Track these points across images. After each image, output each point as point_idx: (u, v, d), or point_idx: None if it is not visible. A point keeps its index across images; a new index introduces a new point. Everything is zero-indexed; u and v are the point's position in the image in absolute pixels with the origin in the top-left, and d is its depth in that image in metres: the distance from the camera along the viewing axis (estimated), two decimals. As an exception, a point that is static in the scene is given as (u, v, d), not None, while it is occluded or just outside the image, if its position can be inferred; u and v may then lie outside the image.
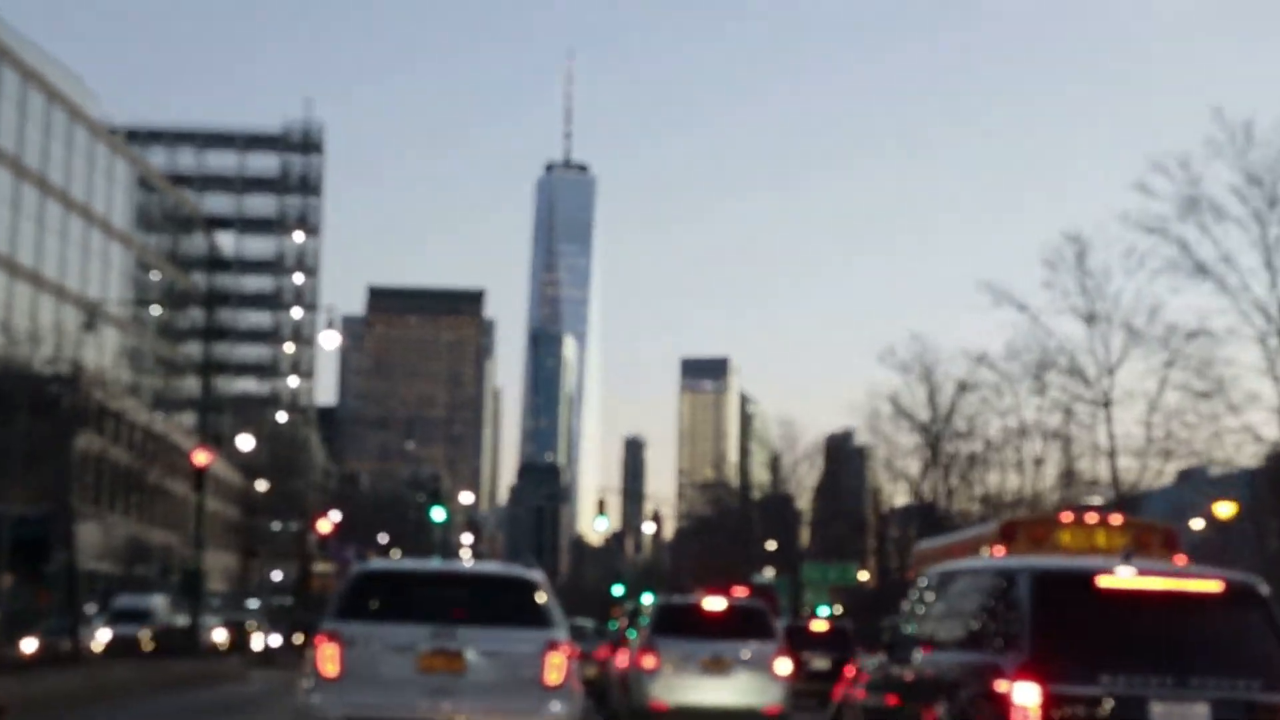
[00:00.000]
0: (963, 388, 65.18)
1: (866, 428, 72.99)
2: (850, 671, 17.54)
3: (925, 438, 67.89)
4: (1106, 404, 53.25)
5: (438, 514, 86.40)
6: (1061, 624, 11.64)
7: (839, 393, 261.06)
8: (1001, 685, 11.57)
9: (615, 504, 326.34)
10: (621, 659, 29.70)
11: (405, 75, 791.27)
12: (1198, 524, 60.03)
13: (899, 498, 73.48)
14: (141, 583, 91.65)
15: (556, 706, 15.67)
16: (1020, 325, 56.59)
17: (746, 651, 25.52)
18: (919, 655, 13.92)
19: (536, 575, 16.58)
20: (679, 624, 26.39)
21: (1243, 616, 11.94)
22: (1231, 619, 11.93)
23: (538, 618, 15.94)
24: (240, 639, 71.34)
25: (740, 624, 26.18)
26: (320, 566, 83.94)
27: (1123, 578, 11.91)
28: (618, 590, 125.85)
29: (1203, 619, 11.89)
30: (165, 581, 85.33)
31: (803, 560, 79.95)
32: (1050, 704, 11.27)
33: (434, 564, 20.44)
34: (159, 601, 67.35)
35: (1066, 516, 25.34)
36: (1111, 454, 53.52)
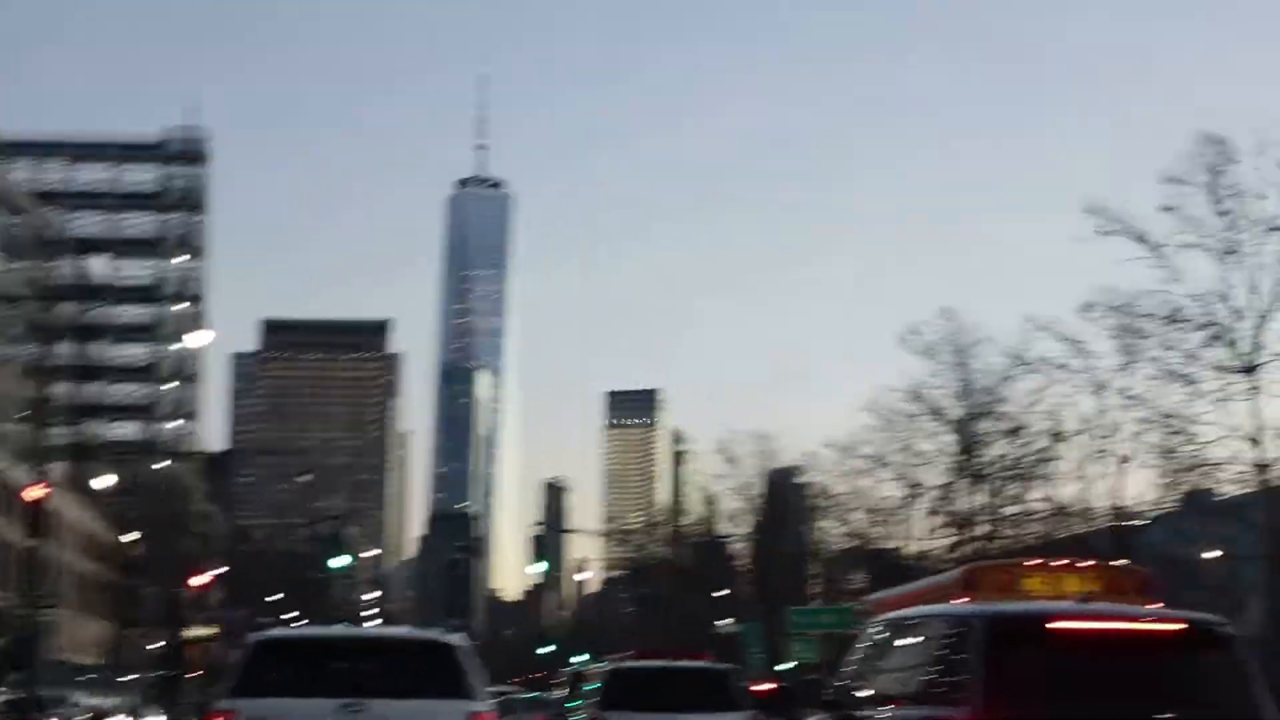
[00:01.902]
0: (1012, 367, 55.09)
1: (884, 435, 62.83)
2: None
3: (960, 440, 59.24)
4: (1250, 369, 44.25)
5: (338, 561, 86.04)
6: (1014, 672, 11.82)
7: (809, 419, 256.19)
8: (951, 739, 11.73)
9: (531, 549, 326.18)
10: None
11: (298, 78, 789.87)
12: None
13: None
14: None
15: None
16: (1111, 270, 48.80)
17: None
18: (864, 712, 14.03)
19: (456, 638, 16.52)
20: (632, 693, 25.70)
21: (1205, 658, 12.22)
22: (1193, 661, 12.20)
23: (459, 687, 15.83)
24: None
25: (703, 691, 25.55)
26: (199, 631, 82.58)
27: (1077, 621, 12.21)
28: (552, 651, 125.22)
29: (1163, 662, 12.14)
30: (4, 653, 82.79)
31: (783, 607, 75.58)
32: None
33: (340, 630, 20.21)
34: None
35: (1032, 562, 25.66)
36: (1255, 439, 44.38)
